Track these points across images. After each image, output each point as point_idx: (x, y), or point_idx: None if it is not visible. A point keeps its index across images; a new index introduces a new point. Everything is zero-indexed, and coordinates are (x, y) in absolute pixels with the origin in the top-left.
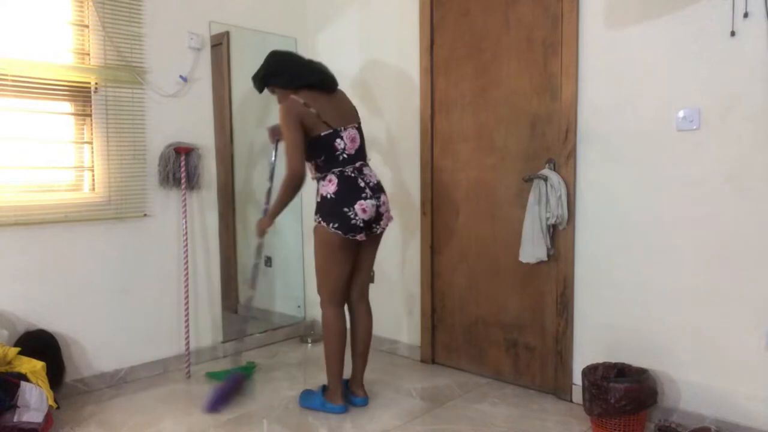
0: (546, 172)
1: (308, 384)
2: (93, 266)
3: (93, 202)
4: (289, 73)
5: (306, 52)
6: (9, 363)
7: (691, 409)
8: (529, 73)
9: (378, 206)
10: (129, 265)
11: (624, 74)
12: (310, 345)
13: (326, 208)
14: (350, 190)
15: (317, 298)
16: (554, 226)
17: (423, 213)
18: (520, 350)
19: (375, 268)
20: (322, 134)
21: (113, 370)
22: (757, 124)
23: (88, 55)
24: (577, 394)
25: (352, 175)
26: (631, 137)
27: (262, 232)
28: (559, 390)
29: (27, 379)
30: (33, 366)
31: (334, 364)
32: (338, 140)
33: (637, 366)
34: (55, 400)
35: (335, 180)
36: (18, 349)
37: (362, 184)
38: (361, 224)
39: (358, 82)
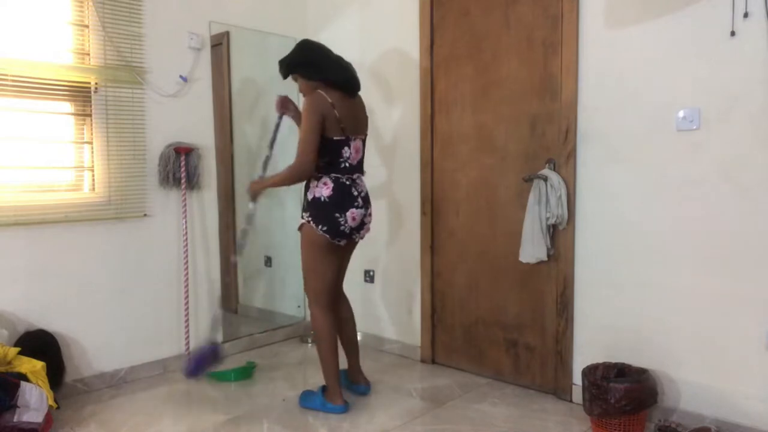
0: (546, 172)
1: (308, 384)
2: (93, 266)
3: (93, 202)
4: (316, 65)
5: None
6: (9, 363)
7: (691, 409)
8: (529, 73)
9: (364, 216)
10: (129, 265)
11: (624, 74)
12: (310, 345)
13: (318, 210)
14: (344, 197)
15: (310, 317)
16: (554, 226)
17: (423, 213)
18: (520, 350)
19: (375, 267)
20: (335, 138)
21: (113, 370)
22: (757, 124)
23: (88, 55)
24: (577, 394)
25: (347, 183)
26: (631, 137)
27: (254, 194)
28: (559, 390)
29: (27, 379)
30: (33, 366)
31: (329, 363)
32: (346, 148)
33: (637, 366)
34: (55, 400)
35: (331, 185)
36: (18, 349)
37: (355, 193)
38: (348, 231)
39: None
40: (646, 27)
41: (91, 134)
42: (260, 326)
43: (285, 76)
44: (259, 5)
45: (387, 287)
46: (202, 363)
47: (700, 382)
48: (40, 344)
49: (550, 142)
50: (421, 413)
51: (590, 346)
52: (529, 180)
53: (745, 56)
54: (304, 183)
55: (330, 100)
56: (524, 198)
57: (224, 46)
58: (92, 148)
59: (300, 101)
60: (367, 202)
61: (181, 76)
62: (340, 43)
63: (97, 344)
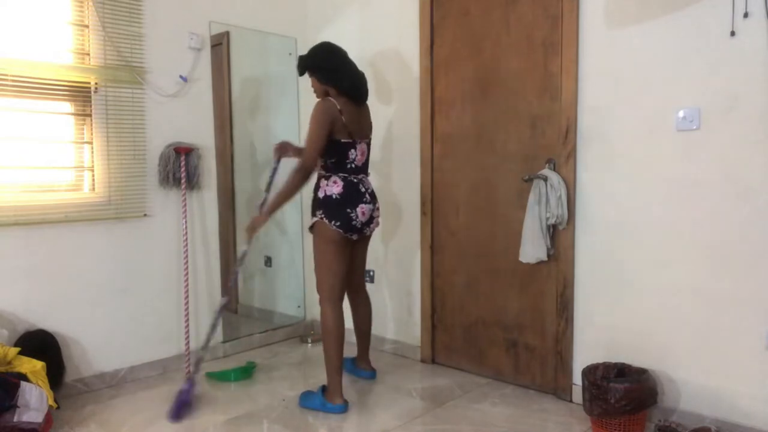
0: (546, 172)
1: (308, 384)
2: (93, 266)
3: (93, 202)
4: (332, 71)
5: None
6: (9, 363)
7: (691, 409)
8: (529, 73)
9: (372, 210)
10: (129, 265)
11: (624, 74)
12: (310, 345)
13: (330, 207)
14: (353, 194)
15: (317, 298)
16: (554, 226)
17: (423, 213)
18: (520, 350)
19: (375, 267)
20: (342, 140)
21: (113, 370)
22: (757, 124)
23: (88, 55)
24: (577, 394)
25: (355, 181)
26: (631, 137)
27: (252, 230)
28: (559, 390)
29: (27, 379)
30: (33, 366)
31: (334, 361)
32: (352, 150)
33: (637, 366)
34: (55, 400)
35: (341, 183)
36: (18, 349)
37: (363, 190)
38: (359, 225)
39: None
40: (646, 27)
41: (91, 134)
42: (260, 326)
43: (302, 73)
44: (259, 5)
45: (387, 287)
46: (183, 404)
47: (700, 382)
48: (40, 344)
49: (550, 142)
50: (421, 413)
51: (590, 346)
52: (529, 180)
53: (745, 56)
54: (313, 185)
55: (338, 107)
56: (524, 198)
57: (224, 46)
58: (92, 148)
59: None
60: (374, 198)
61: (181, 76)
62: (340, 43)
63: (97, 344)
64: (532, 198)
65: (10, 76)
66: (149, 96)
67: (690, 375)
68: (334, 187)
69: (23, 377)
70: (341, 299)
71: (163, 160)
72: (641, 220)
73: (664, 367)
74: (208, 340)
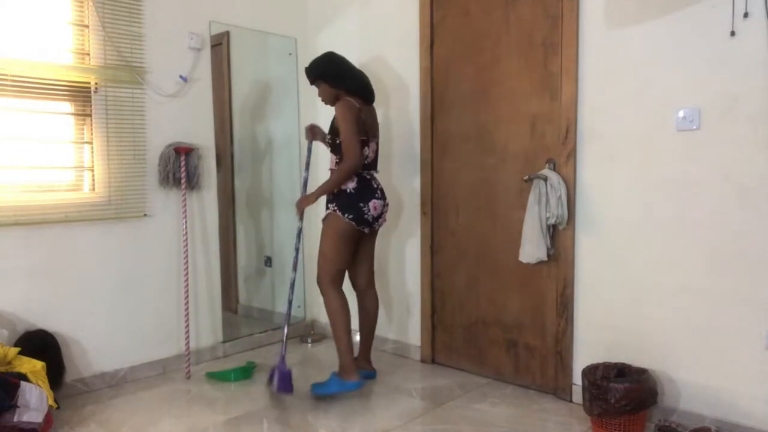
0: (546, 172)
1: (308, 384)
2: (93, 266)
3: (93, 202)
4: (341, 76)
5: (306, 52)
6: (9, 363)
7: (691, 409)
8: (529, 73)
9: (383, 207)
10: (129, 265)
11: (624, 74)
12: (310, 345)
13: (344, 201)
14: (367, 189)
15: (318, 298)
16: (554, 226)
17: (423, 213)
18: (520, 350)
19: (375, 267)
20: (360, 138)
21: (113, 370)
22: (757, 124)
23: (88, 55)
24: (577, 394)
25: (368, 177)
26: (631, 137)
27: (302, 210)
28: (559, 390)
29: (27, 379)
30: (33, 366)
31: (344, 340)
32: (366, 148)
33: (637, 366)
34: (55, 400)
35: (355, 178)
36: (18, 349)
37: (375, 186)
38: (370, 219)
39: None
40: (646, 27)
41: (91, 134)
42: (260, 326)
43: (312, 82)
44: (259, 5)
45: (387, 287)
46: (285, 376)
47: (700, 382)
48: (40, 344)
49: (550, 142)
50: (421, 413)
51: (590, 346)
52: (529, 180)
53: (745, 56)
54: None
55: (358, 105)
56: (524, 198)
57: (224, 46)
58: (92, 148)
59: (310, 102)
60: (384, 195)
61: (181, 76)
62: (341, 42)
63: (97, 344)
64: (532, 198)
65: (10, 76)
66: (149, 96)
67: (690, 375)
68: (349, 183)
69: (23, 377)
70: (341, 284)
71: (163, 160)
72: (641, 220)
73: (664, 367)
74: (288, 314)
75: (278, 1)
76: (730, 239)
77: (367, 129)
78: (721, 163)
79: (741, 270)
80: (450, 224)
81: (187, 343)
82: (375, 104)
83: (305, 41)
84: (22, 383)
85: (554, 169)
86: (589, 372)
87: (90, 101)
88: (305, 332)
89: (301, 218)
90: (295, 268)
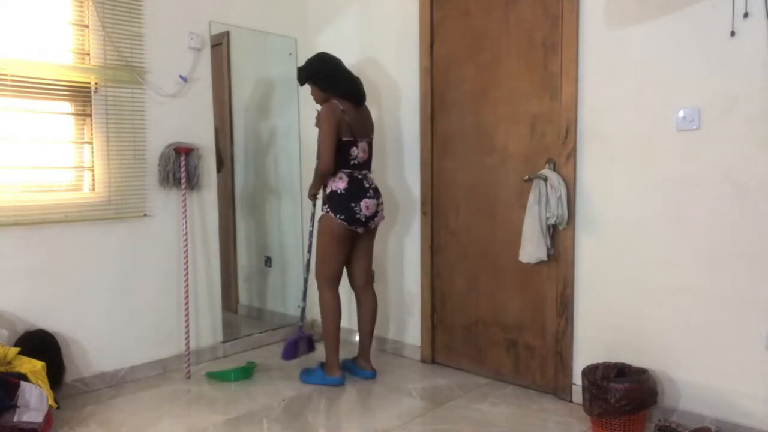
0: (546, 172)
1: (307, 384)
2: (93, 266)
3: (93, 202)
4: (330, 79)
5: (306, 52)
6: (9, 363)
7: (691, 409)
8: (529, 73)
9: (377, 205)
10: (129, 265)
11: (624, 74)
12: None
13: (335, 202)
14: (357, 189)
15: (317, 298)
16: (554, 226)
17: (423, 213)
18: (520, 350)
19: (375, 267)
20: (344, 139)
21: (113, 370)
22: (757, 124)
23: (88, 55)
24: (577, 394)
25: (359, 177)
26: (631, 137)
27: (310, 196)
28: (559, 390)
29: (27, 379)
30: (33, 366)
31: (331, 337)
32: (354, 148)
33: (637, 366)
34: (55, 400)
35: (346, 179)
36: (18, 349)
37: (366, 185)
38: (363, 219)
39: None
40: (646, 27)
41: (91, 134)
42: (260, 326)
43: (302, 84)
44: (259, 5)
45: (387, 287)
46: (295, 346)
47: (700, 382)
48: (40, 344)
49: (550, 142)
50: (421, 413)
51: (590, 346)
52: (529, 180)
53: (745, 56)
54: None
55: (341, 107)
56: (524, 198)
57: (224, 46)
58: (92, 148)
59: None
60: (377, 193)
61: (181, 76)
62: (340, 42)
63: (97, 344)
64: (532, 198)
65: (10, 76)
66: (149, 96)
67: (690, 375)
68: (339, 183)
69: (23, 377)
70: (337, 284)
71: (163, 160)
72: (641, 220)
73: (664, 367)
74: (304, 297)
75: (278, 1)
76: (730, 239)
77: (353, 130)
78: (721, 163)
79: (741, 270)
80: (450, 224)
81: (187, 343)
82: (375, 104)
83: (305, 41)
84: (22, 383)
85: (554, 169)
86: (589, 372)
87: (90, 101)
88: None
89: (314, 204)
90: (307, 269)
